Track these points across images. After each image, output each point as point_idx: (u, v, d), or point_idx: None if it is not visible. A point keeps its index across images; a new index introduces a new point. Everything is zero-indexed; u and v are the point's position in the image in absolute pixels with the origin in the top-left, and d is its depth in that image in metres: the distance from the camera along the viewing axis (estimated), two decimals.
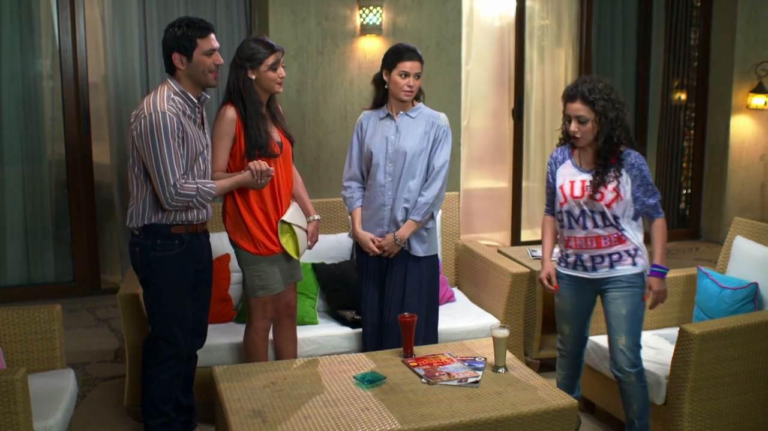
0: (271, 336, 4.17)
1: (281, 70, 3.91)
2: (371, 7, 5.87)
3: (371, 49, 6.06)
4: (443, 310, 4.67)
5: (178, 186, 3.53)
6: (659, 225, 3.74)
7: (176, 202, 3.55)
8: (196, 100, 3.68)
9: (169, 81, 3.66)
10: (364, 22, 5.91)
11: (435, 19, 6.19)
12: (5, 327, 3.77)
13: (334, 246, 4.76)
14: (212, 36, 3.66)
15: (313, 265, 4.69)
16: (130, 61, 6.09)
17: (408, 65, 4.01)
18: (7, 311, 3.81)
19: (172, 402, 3.86)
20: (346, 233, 4.85)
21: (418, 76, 4.04)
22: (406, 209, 4.08)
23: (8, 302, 5.56)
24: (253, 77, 3.87)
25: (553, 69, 7.29)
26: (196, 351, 4.00)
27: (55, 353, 3.84)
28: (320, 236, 4.77)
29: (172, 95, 3.61)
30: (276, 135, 3.97)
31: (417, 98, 4.17)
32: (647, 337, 4.24)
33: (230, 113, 3.86)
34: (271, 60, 3.85)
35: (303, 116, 5.93)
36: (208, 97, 3.78)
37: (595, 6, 7.26)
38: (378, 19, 5.91)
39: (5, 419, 3.07)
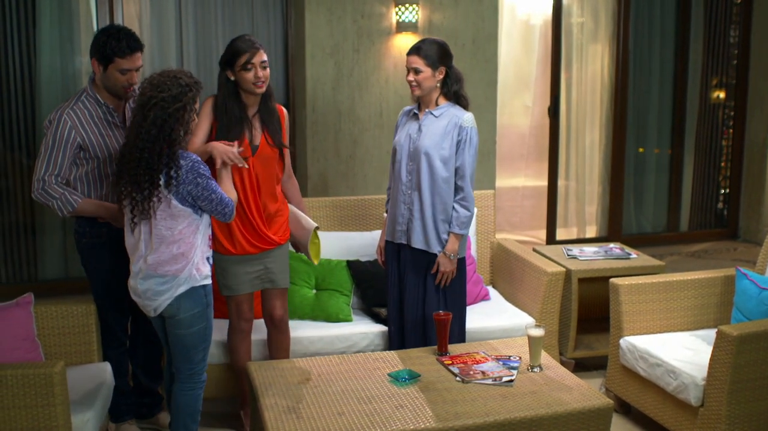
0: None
1: (259, 71, 3.77)
2: (407, 5, 5.85)
3: (407, 46, 5.97)
4: (478, 308, 4.66)
5: (47, 183, 3.69)
6: None
7: (40, 195, 3.71)
8: (107, 104, 3.76)
9: (88, 84, 3.80)
10: (400, 20, 5.90)
11: (471, 17, 6.16)
12: (43, 321, 3.83)
13: (369, 244, 4.76)
14: (135, 56, 3.71)
15: (348, 262, 4.70)
16: (167, 58, 6.12)
17: (407, 60, 4.06)
18: (45, 305, 3.87)
19: (124, 377, 4.06)
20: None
21: (416, 71, 4.02)
22: (421, 209, 4.02)
23: (46, 297, 5.57)
24: (232, 78, 3.82)
25: (589, 67, 7.23)
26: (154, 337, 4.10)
27: (92, 347, 3.90)
28: (355, 234, 4.89)
29: (83, 98, 3.76)
30: (257, 139, 3.88)
31: (449, 97, 4.12)
32: (684, 338, 4.19)
33: (207, 103, 3.86)
34: (242, 60, 3.75)
35: (338, 113, 5.93)
36: (137, 91, 3.73)
37: (632, 3, 7.17)
38: (414, 16, 5.89)
39: (44, 411, 3.12)
